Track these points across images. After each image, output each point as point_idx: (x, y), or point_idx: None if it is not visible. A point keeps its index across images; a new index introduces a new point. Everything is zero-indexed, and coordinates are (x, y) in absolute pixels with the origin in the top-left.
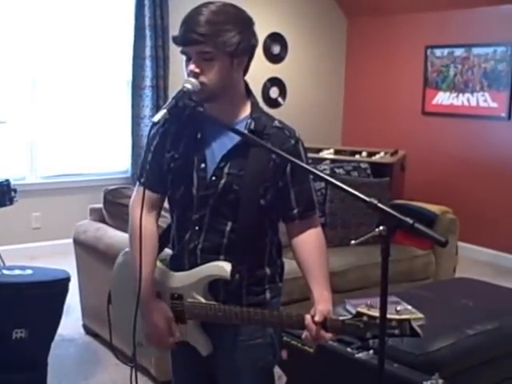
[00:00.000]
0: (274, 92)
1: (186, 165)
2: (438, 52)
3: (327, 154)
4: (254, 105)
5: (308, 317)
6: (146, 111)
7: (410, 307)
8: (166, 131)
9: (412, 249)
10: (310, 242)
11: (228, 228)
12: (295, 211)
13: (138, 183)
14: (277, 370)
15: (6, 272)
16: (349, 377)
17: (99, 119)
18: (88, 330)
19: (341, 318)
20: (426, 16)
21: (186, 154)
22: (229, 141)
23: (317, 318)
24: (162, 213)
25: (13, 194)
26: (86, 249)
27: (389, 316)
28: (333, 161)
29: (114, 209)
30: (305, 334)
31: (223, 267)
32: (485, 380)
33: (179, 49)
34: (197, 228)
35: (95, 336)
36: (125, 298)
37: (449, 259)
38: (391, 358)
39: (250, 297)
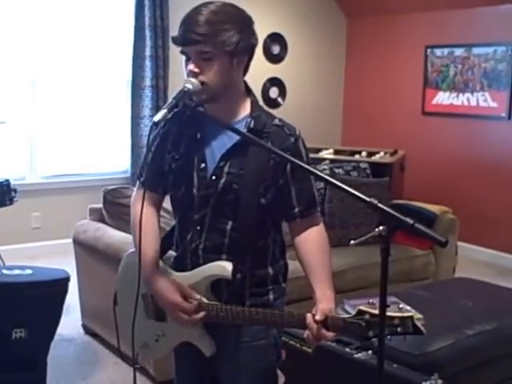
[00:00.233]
0: (273, 92)
1: (186, 165)
2: (438, 52)
3: (327, 154)
4: (254, 103)
5: (309, 316)
6: (146, 111)
7: (409, 308)
8: (167, 132)
9: (411, 249)
10: (312, 240)
11: (229, 227)
12: (296, 210)
13: (138, 182)
14: None
15: (5, 272)
16: (348, 377)
17: (99, 119)
18: (87, 330)
19: (342, 316)
20: (425, 16)
21: (186, 155)
22: (228, 140)
23: (317, 317)
24: (164, 214)
25: (13, 193)
26: (85, 249)
27: (391, 314)
28: (332, 161)
29: (113, 209)
30: (306, 333)
31: (224, 267)
32: (484, 380)
33: (179, 49)
34: (198, 228)
35: (94, 336)
36: (130, 299)
37: (448, 259)
38: (390, 359)
39: (253, 298)
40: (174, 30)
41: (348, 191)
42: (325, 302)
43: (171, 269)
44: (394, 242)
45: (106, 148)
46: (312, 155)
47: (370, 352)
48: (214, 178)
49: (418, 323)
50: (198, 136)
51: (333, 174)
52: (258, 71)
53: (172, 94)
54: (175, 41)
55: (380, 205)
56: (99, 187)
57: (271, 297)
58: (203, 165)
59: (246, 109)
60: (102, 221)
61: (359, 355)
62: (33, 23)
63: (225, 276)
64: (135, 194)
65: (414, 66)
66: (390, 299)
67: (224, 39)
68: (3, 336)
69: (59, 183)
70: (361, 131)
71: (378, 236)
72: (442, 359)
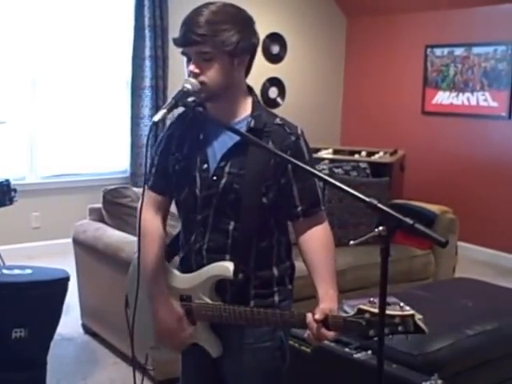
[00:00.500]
0: (273, 92)
1: (189, 166)
2: (437, 51)
3: (326, 153)
4: (256, 103)
5: (309, 315)
6: (146, 111)
7: (408, 308)
8: (171, 135)
9: (411, 249)
10: (315, 239)
11: (231, 227)
12: (299, 209)
13: (145, 186)
14: None
15: (5, 272)
16: (347, 377)
17: (99, 119)
18: (87, 330)
19: (343, 315)
20: (425, 15)
21: (189, 156)
22: (230, 140)
23: (317, 316)
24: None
25: (13, 193)
26: (85, 248)
27: (392, 312)
28: (332, 160)
29: (113, 209)
30: (307, 333)
31: (226, 267)
32: (484, 380)
33: (179, 49)
34: (201, 229)
35: (94, 335)
36: (140, 301)
37: (448, 259)
38: (390, 359)
39: (258, 299)
40: (173, 30)
41: (347, 191)
42: (326, 301)
43: (178, 270)
44: (394, 241)
45: (106, 148)
46: None
47: (369, 352)
48: (214, 178)
49: (420, 322)
50: (201, 137)
51: (332, 174)
52: (258, 71)
53: (172, 94)
54: (176, 42)
55: (380, 205)
56: (99, 187)
57: (276, 298)
58: (205, 165)
59: (247, 108)
60: (102, 221)
61: (359, 355)
62: (33, 23)
63: (226, 276)
64: (142, 199)
65: (414, 66)
66: (390, 299)
67: (223, 39)
68: (3, 335)
69: (59, 183)
70: (360, 131)
71: (378, 236)
72: (442, 359)
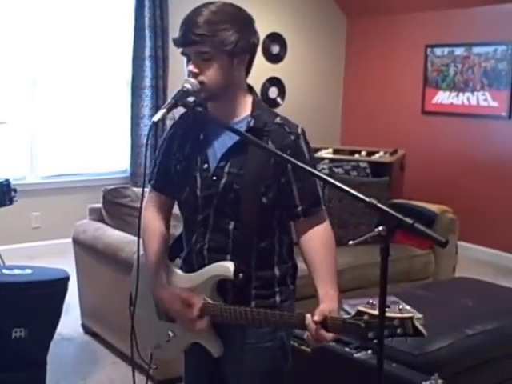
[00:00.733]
0: (272, 92)
1: (189, 166)
2: (438, 51)
3: (326, 153)
4: (256, 102)
5: (308, 316)
6: (146, 111)
7: (408, 307)
8: (173, 135)
9: (411, 248)
10: (316, 239)
11: (231, 227)
12: (299, 208)
13: (149, 187)
14: None
15: (5, 271)
16: (347, 377)
17: (99, 119)
18: (87, 330)
19: (342, 316)
20: (426, 15)
21: (190, 156)
22: (230, 140)
23: (316, 318)
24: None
25: (13, 193)
26: (85, 248)
27: (391, 314)
28: (332, 160)
29: (113, 208)
30: (306, 334)
31: (226, 267)
32: (484, 380)
33: (179, 49)
34: (202, 229)
35: (94, 335)
36: (143, 301)
37: (448, 259)
38: (390, 358)
39: (259, 300)
40: (173, 30)
41: (347, 191)
42: (327, 301)
43: (181, 270)
44: (394, 241)
45: (106, 148)
46: None
47: (369, 352)
48: (214, 178)
49: (419, 324)
50: (201, 137)
51: (332, 174)
52: (258, 71)
53: (171, 93)
54: (175, 42)
55: (379, 205)
56: (99, 187)
57: (278, 299)
58: (206, 165)
59: (247, 108)
60: (102, 220)
61: (359, 355)
62: (33, 23)
63: (227, 276)
64: (146, 198)
65: (414, 66)
66: (390, 299)
67: (222, 39)
68: (3, 335)
69: (59, 183)
70: (360, 130)
71: (378, 236)
72: (442, 359)
